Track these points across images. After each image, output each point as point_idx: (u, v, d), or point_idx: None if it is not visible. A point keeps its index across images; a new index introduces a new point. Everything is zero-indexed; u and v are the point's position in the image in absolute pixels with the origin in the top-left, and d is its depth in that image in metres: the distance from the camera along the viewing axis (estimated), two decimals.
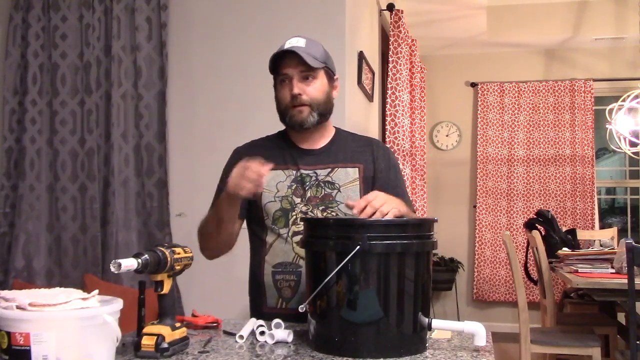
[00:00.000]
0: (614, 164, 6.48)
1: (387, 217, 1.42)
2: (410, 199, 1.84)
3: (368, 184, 1.74)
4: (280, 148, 1.78)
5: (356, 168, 1.75)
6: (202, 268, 2.78)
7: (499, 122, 5.84)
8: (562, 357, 4.04)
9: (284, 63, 1.69)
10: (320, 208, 1.70)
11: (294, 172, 1.73)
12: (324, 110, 1.73)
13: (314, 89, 1.70)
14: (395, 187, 1.77)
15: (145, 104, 2.93)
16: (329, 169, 1.74)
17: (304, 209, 1.70)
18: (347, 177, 1.74)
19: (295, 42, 1.69)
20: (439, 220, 1.74)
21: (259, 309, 1.75)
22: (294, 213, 1.70)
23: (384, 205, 1.43)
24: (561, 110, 5.70)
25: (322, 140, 1.79)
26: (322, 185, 1.72)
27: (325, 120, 1.76)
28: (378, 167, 1.78)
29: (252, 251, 1.81)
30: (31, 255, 2.94)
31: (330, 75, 1.75)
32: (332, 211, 1.70)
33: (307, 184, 1.72)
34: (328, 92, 1.74)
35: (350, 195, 1.72)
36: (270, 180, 1.72)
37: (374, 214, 1.42)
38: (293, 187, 1.72)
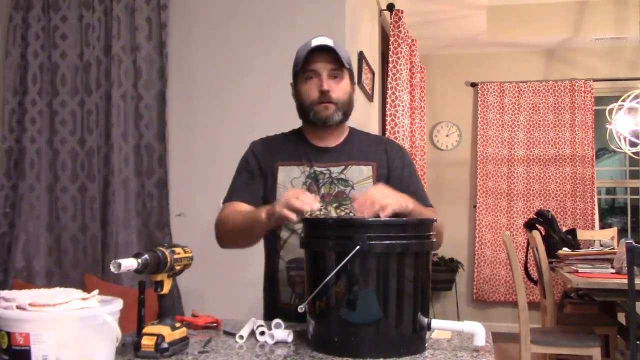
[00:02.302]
0: (614, 164, 6.48)
1: (387, 211, 1.42)
2: (427, 196, 1.84)
3: (382, 182, 1.74)
4: (295, 144, 1.80)
5: (370, 166, 1.76)
6: (202, 268, 2.78)
7: (499, 122, 5.84)
8: (562, 357, 4.03)
9: (313, 59, 1.69)
10: (334, 205, 1.71)
11: (308, 168, 1.74)
12: (347, 110, 1.75)
13: (340, 89, 1.71)
14: (408, 184, 1.77)
15: (145, 104, 2.93)
16: (343, 167, 1.74)
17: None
18: (361, 174, 1.74)
19: (324, 41, 1.70)
20: (439, 220, 1.74)
21: (274, 304, 1.76)
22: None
23: (386, 199, 1.44)
24: (561, 110, 5.70)
25: (336, 139, 1.79)
26: (336, 182, 1.73)
27: (345, 121, 1.78)
28: (392, 165, 1.78)
29: (266, 247, 1.81)
30: (31, 255, 2.94)
31: (352, 77, 1.78)
32: (346, 208, 1.71)
33: (321, 181, 1.72)
34: (351, 93, 1.76)
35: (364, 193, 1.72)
36: (285, 177, 1.74)
37: (377, 209, 1.41)
38: (307, 184, 1.72)
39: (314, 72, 1.70)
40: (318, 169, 1.74)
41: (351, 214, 1.70)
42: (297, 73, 1.74)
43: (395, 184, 1.74)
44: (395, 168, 1.79)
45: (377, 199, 1.43)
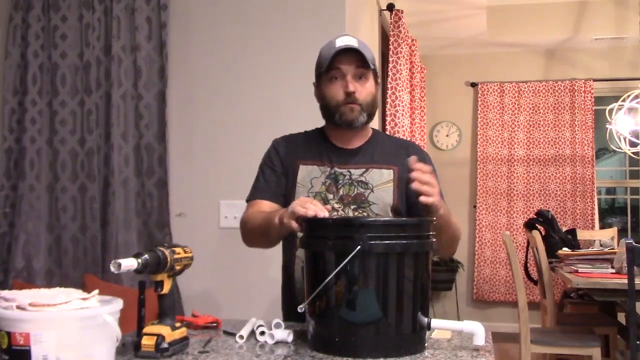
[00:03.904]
0: (614, 164, 6.48)
1: (435, 197, 1.47)
2: (445, 202, 1.83)
3: (402, 186, 1.73)
4: (317, 144, 1.79)
5: (391, 170, 1.74)
6: (202, 268, 2.78)
7: (499, 122, 5.84)
8: (562, 357, 4.04)
9: (338, 60, 1.67)
10: (352, 207, 1.70)
11: (328, 169, 1.73)
12: (371, 112, 1.74)
13: (365, 90, 1.70)
14: None
15: (145, 104, 2.92)
16: (363, 169, 1.73)
17: (336, 206, 1.69)
18: (381, 178, 1.73)
19: (349, 41, 1.68)
20: (459, 226, 1.74)
21: (291, 303, 1.75)
22: None
23: (434, 190, 1.48)
24: (561, 110, 5.70)
25: (359, 140, 1.78)
26: (356, 184, 1.72)
27: (369, 122, 1.77)
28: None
29: (284, 246, 1.81)
30: (31, 255, 2.93)
31: (376, 78, 1.76)
32: (364, 211, 1.70)
33: (341, 182, 1.72)
34: (375, 94, 1.74)
35: (384, 196, 1.71)
36: (305, 176, 1.73)
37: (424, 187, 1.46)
38: (327, 184, 1.72)
39: (339, 73, 1.68)
40: (338, 170, 1.73)
41: (369, 217, 1.69)
42: (320, 73, 1.72)
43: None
44: None
45: (432, 186, 1.47)
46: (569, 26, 5.34)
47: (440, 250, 1.74)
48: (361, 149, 1.77)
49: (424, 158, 1.81)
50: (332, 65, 1.67)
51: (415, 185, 1.44)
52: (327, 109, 1.73)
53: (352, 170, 1.73)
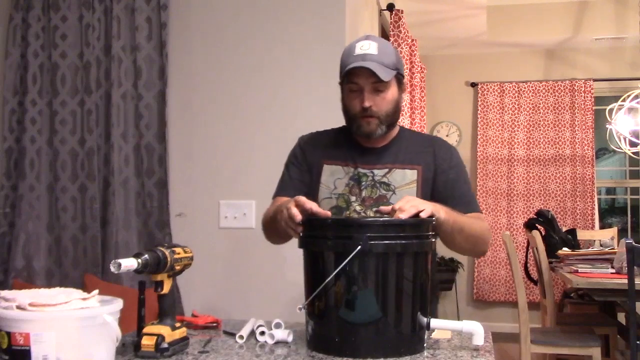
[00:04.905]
0: (614, 164, 6.48)
1: (423, 214, 1.38)
2: (475, 198, 1.78)
3: (427, 186, 1.71)
4: (342, 143, 1.77)
5: (415, 170, 1.72)
6: (202, 268, 2.78)
7: (499, 122, 5.84)
8: (562, 357, 4.04)
9: (355, 74, 1.62)
10: (374, 209, 1.68)
11: (352, 169, 1.72)
12: (392, 120, 1.70)
13: (384, 101, 1.65)
14: (454, 188, 1.72)
15: (145, 104, 2.92)
16: (387, 169, 1.71)
17: (358, 208, 1.68)
18: (404, 178, 1.71)
19: (367, 49, 1.62)
20: (486, 225, 1.73)
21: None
22: (348, 212, 1.69)
23: (418, 206, 1.40)
24: (561, 110, 5.70)
25: (384, 139, 1.75)
26: (378, 186, 1.70)
27: (392, 129, 1.74)
28: (438, 167, 1.73)
29: None
30: (31, 255, 2.93)
31: (400, 79, 1.71)
32: (385, 213, 1.68)
33: (364, 183, 1.70)
34: (397, 99, 1.70)
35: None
36: (329, 176, 1.73)
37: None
38: (350, 185, 1.71)
39: (357, 85, 1.64)
40: (362, 171, 1.71)
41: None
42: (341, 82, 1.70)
43: (441, 187, 1.71)
44: (442, 170, 1.73)
45: (406, 208, 1.38)
46: (569, 26, 5.34)
47: (463, 252, 1.73)
48: (386, 148, 1.75)
49: (450, 154, 1.78)
50: (350, 76, 1.63)
51: (405, 216, 1.36)
52: (347, 116, 1.72)
53: (376, 171, 1.71)
